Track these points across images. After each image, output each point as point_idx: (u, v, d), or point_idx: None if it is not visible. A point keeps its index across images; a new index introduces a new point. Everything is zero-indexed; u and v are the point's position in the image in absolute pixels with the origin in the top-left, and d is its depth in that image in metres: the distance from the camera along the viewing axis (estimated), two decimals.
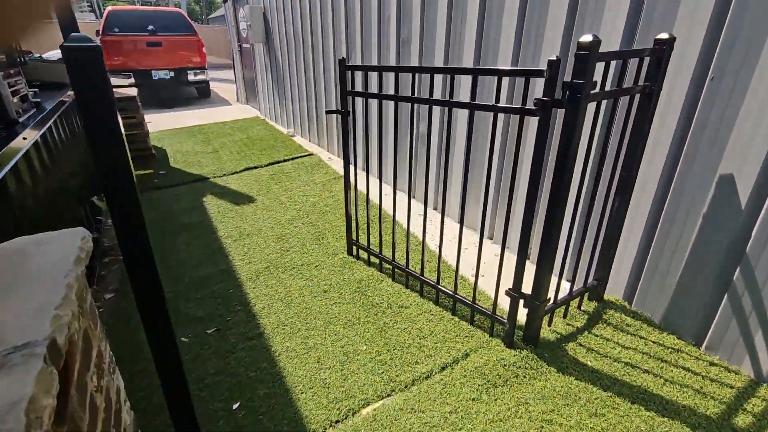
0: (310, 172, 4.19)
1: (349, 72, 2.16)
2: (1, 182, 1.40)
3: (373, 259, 2.53)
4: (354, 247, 2.63)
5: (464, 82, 2.62)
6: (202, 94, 8.86)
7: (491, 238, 2.78)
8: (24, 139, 1.78)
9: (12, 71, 2.15)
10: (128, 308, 2.20)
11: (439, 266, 2.05)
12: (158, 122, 6.58)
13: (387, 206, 3.14)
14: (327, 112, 2.28)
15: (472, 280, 2.32)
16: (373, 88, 3.18)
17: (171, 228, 3.09)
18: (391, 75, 3.26)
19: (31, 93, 2.54)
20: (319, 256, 2.66)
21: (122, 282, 2.43)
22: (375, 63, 3.54)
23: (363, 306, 2.16)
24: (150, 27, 7.45)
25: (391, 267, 2.38)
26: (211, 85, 9.45)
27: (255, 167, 4.37)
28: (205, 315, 2.14)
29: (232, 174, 4.20)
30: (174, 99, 8.61)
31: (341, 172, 3.99)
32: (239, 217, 3.24)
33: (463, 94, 2.66)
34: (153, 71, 7.58)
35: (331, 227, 3.04)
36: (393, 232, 2.26)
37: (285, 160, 4.57)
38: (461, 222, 1.90)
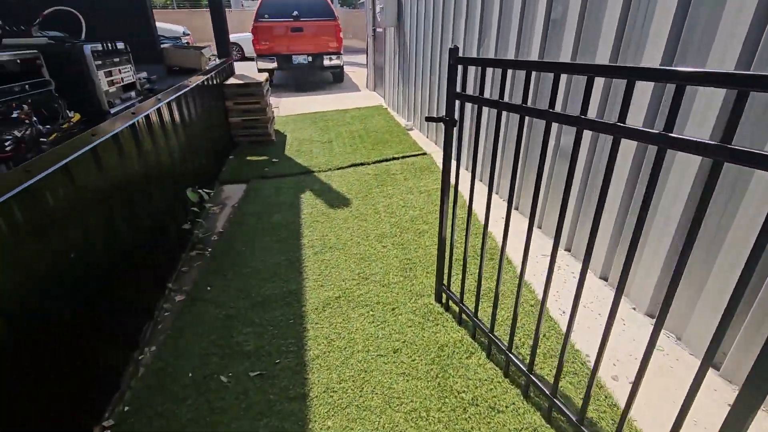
0: (417, 176, 3.69)
1: (461, 67, 1.54)
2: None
3: (464, 317, 1.92)
4: (444, 295, 2.05)
5: (642, 91, 1.75)
6: (336, 79, 9.02)
7: (680, 338, 1.84)
8: (93, 136, 1.66)
9: (117, 59, 2.10)
10: (193, 322, 2.03)
11: (561, 357, 1.33)
12: (288, 106, 6.81)
13: (497, 232, 2.46)
14: (427, 119, 1.72)
15: (618, 392, 1.55)
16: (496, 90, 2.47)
17: (261, 225, 2.93)
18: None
19: (143, 80, 2.54)
20: (400, 295, 2.16)
21: (197, 285, 2.31)
22: (512, 55, 2.79)
23: (438, 390, 1.59)
24: (294, 12, 7.73)
25: (486, 340, 1.74)
26: (347, 69, 9.58)
27: (361, 164, 4.05)
28: (255, 350, 1.83)
29: (338, 169, 3.95)
30: (310, 83, 8.95)
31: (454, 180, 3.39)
32: (329, 223, 2.93)
33: (636, 112, 1.79)
34: (293, 56, 7.90)
35: (424, 255, 2.50)
36: (497, 282, 1.58)
37: (394, 159, 4.14)
38: (619, 288, 1.15)
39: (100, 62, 1.92)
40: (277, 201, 3.32)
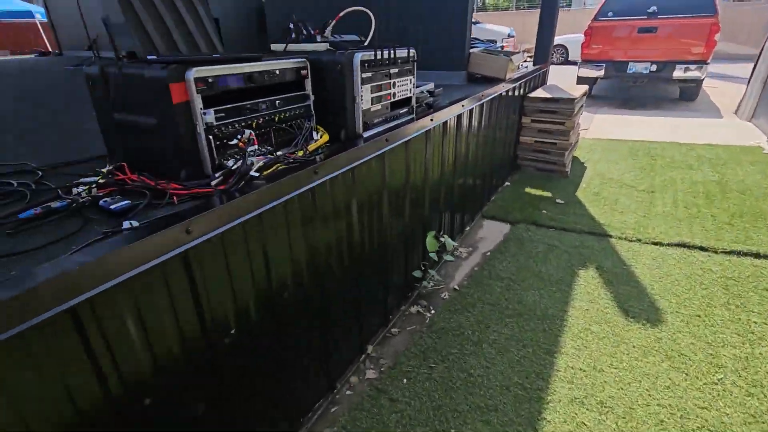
0: None
1: None
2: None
3: None
4: None
5: None
6: (686, 97, 6.65)
7: None
8: (316, 173, 1.26)
9: (394, 70, 1.69)
10: (382, 416, 1.51)
11: None
12: (601, 126, 5.40)
13: None
14: None
15: None
16: None
17: (506, 302, 2.11)
18: None
19: (425, 93, 2.09)
20: None
21: (397, 364, 1.77)
22: None
23: None
24: (651, 8, 5.97)
25: None
26: (705, 84, 6.94)
27: (701, 248, 2.49)
28: None
29: (653, 245, 2.57)
30: (643, 98, 6.99)
31: None
32: (610, 346, 1.79)
33: None
34: (630, 63, 6.23)
35: None
36: None
37: (758, 255, 2.35)
38: None
39: (369, 74, 1.54)
40: (541, 269, 2.38)
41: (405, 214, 1.96)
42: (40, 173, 1.26)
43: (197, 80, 1.08)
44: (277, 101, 1.34)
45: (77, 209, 1.01)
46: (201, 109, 1.11)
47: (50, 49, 9.14)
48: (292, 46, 1.62)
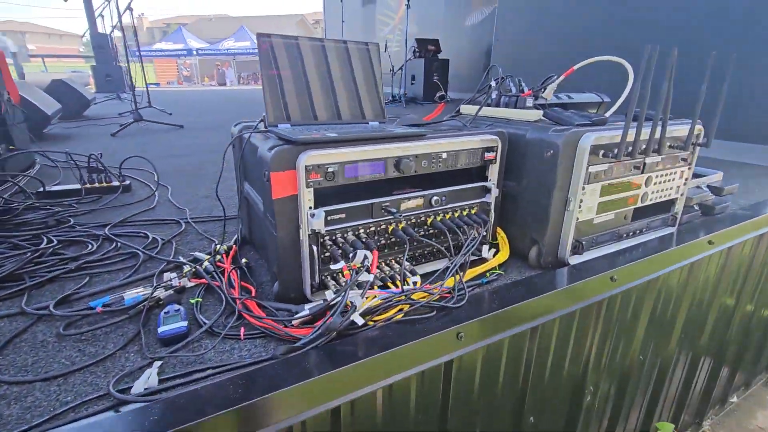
0: None
1: None
2: None
3: None
4: None
5: None
6: None
7: None
8: (459, 338, 0.74)
9: (654, 160, 0.99)
10: None
11: None
12: None
13: None
14: None
15: None
16: None
17: None
18: None
19: (704, 191, 1.26)
20: None
21: None
22: None
23: None
24: None
25: None
26: None
27: None
28: None
29: None
30: None
31: None
32: None
33: None
34: None
35: None
36: None
37: None
38: None
39: (604, 167, 0.90)
40: None
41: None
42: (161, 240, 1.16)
43: (311, 169, 0.72)
44: (434, 198, 0.88)
45: (143, 310, 0.79)
46: (310, 208, 0.75)
47: None
48: (487, 111, 1.14)
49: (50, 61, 13.34)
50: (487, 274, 0.94)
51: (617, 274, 0.95)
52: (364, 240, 0.81)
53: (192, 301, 0.83)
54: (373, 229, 0.83)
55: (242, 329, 0.73)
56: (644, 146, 0.94)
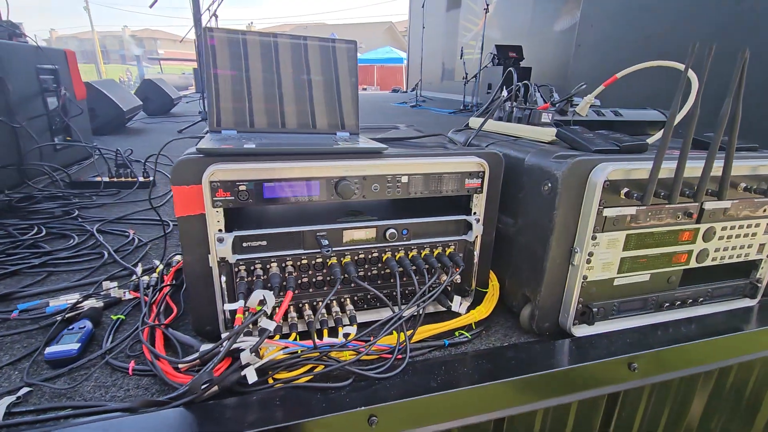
0: None
1: None
2: None
3: None
4: None
5: None
6: None
7: None
8: (370, 420, 0.56)
9: (716, 207, 0.71)
10: None
11: None
12: None
13: None
14: None
15: None
16: None
17: None
18: None
19: None
20: None
21: None
22: None
23: None
24: None
25: None
26: None
27: None
28: None
29: None
30: None
31: None
32: None
33: None
34: None
35: None
36: None
37: None
38: None
39: (630, 211, 0.65)
40: None
41: None
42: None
43: (217, 185, 0.61)
44: (389, 231, 0.71)
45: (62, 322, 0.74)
46: (220, 231, 0.63)
47: (403, 88, 11.50)
48: (495, 126, 0.92)
49: (170, 64, 15.23)
50: (457, 333, 0.74)
51: (641, 359, 0.68)
52: (288, 275, 0.67)
53: (113, 317, 0.76)
54: (305, 262, 0.69)
55: (132, 363, 0.64)
56: (697, 188, 0.67)
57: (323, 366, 0.60)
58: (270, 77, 0.78)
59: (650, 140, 0.75)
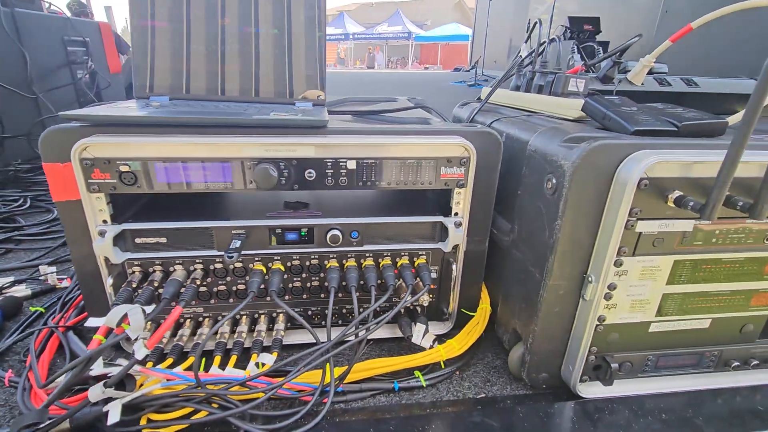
0: None
1: None
2: None
3: None
4: None
5: None
6: None
7: None
8: None
9: None
10: None
11: None
12: None
13: None
14: None
15: None
16: None
17: None
18: None
19: None
20: None
21: None
22: None
23: None
24: None
25: None
26: None
27: None
28: None
29: None
30: None
31: None
32: None
33: None
34: None
35: None
36: None
37: None
38: None
39: (684, 225, 0.42)
40: None
41: None
42: None
43: (90, 163, 0.47)
44: (331, 232, 0.54)
45: None
46: (104, 222, 0.50)
47: (467, 66, 10.92)
48: (508, 97, 0.68)
49: None
50: (417, 373, 0.56)
51: None
52: (191, 283, 0.52)
53: (32, 309, 0.67)
54: (220, 266, 0.54)
55: (9, 373, 0.54)
56: None
57: (207, 413, 0.45)
58: (213, 31, 0.63)
59: (731, 119, 0.49)
